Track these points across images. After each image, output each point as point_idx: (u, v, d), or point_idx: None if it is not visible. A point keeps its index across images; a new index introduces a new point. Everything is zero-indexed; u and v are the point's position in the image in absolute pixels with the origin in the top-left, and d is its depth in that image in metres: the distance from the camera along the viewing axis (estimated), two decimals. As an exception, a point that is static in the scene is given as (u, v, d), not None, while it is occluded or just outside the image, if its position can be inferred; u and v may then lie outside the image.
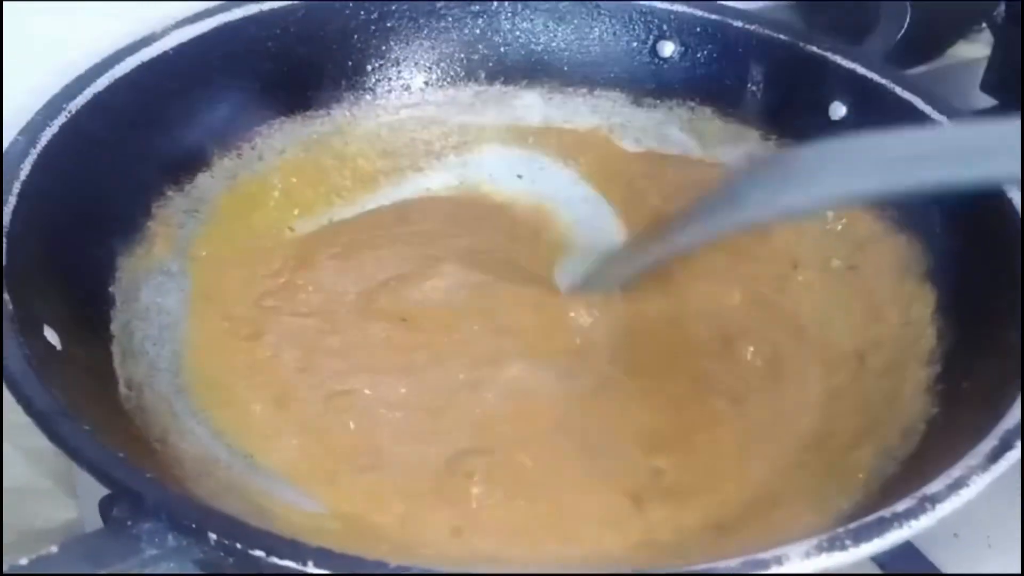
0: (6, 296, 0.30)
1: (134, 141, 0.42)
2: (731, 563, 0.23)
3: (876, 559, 0.37)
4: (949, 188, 0.32)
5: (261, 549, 0.22)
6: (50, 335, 0.32)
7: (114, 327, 0.37)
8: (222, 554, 0.23)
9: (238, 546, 0.22)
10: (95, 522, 0.36)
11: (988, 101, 0.67)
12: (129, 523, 0.23)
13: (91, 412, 0.30)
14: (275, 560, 0.22)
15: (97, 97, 0.41)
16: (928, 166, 0.32)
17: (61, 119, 0.39)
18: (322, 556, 0.22)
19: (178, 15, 0.45)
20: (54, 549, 0.22)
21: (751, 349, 0.42)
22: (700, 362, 0.42)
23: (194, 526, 0.23)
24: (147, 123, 0.43)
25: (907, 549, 0.38)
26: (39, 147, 0.37)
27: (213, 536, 0.22)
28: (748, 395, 0.40)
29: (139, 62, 0.43)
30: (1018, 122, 0.29)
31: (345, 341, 0.42)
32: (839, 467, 0.35)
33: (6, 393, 0.27)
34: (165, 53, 0.44)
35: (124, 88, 0.42)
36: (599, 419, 0.39)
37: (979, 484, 0.25)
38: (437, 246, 0.47)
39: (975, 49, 0.75)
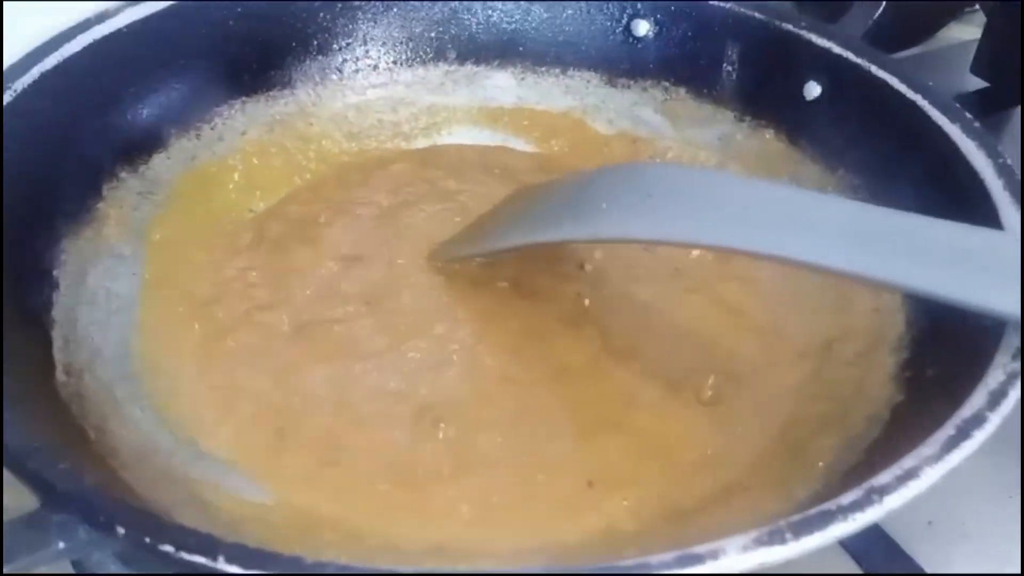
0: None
1: (83, 121, 0.41)
2: (665, 558, 0.22)
3: (853, 554, 0.36)
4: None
5: (170, 544, 0.21)
6: (-17, 322, 0.31)
7: (56, 312, 0.36)
8: (133, 548, 0.22)
9: (147, 540, 0.21)
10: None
11: (978, 83, 0.66)
12: (40, 516, 0.22)
13: (21, 399, 0.29)
14: (184, 555, 0.21)
15: (44, 76, 0.40)
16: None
17: (6, 98, 0.38)
18: (234, 551, 0.21)
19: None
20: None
21: (719, 337, 0.41)
22: (668, 349, 0.41)
23: (103, 519, 0.22)
24: (98, 103, 0.42)
25: (881, 540, 0.37)
26: (-21, 126, 0.36)
27: (122, 530, 0.21)
28: (714, 383, 0.39)
29: (90, 40, 0.42)
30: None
31: (302, 326, 0.41)
32: (801, 455, 0.34)
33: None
34: (118, 31, 0.43)
35: (73, 67, 0.41)
36: (557, 407, 0.38)
37: (931, 476, 0.24)
38: (393, 223, 0.46)
39: (967, 31, 0.74)
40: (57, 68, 0.40)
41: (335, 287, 0.43)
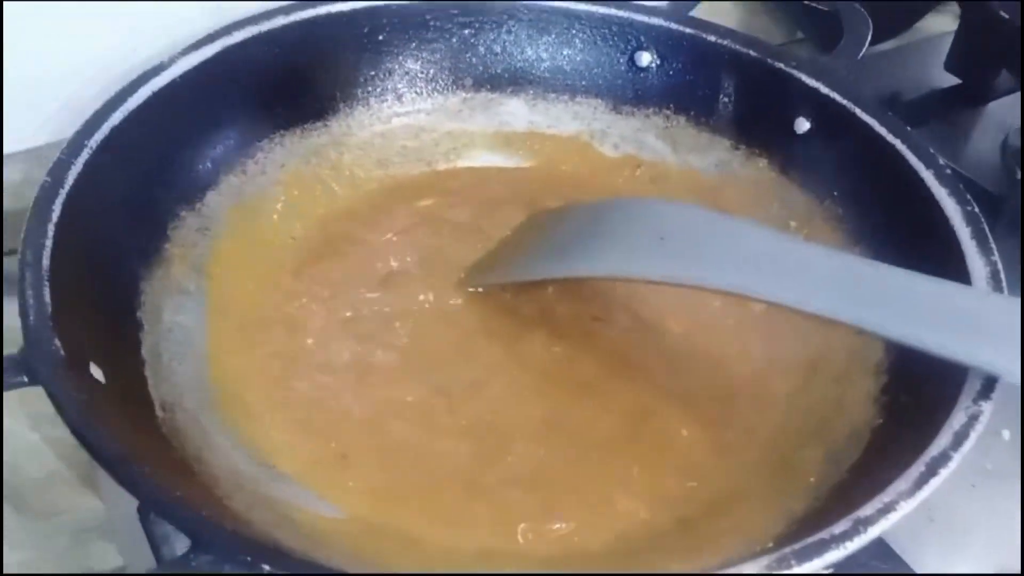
0: (57, 342, 0.33)
1: (150, 168, 0.45)
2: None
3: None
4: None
5: (307, 578, 0.27)
6: (95, 371, 0.35)
7: (144, 351, 0.40)
8: (271, 582, 0.27)
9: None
10: (121, 510, 0.40)
11: (952, 80, 0.71)
12: (191, 557, 0.27)
13: (138, 441, 0.33)
14: (319, 588, 0.26)
15: (114, 130, 0.43)
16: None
17: (84, 156, 0.41)
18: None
19: (176, 40, 0.48)
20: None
21: (719, 352, 0.46)
22: (673, 365, 0.46)
23: (249, 559, 0.27)
24: (161, 150, 0.46)
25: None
26: (67, 187, 0.40)
27: (266, 567, 0.27)
28: (711, 398, 0.44)
29: (150, 92, 0.45)
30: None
31: (350, 351, 0.45)
32: (791, 469, 0.40)
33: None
34: (174, 81, 0.47)
35: (138, 119, 0.44)
36: (580, 422, 0.43)
37: (906, 508, 0.30)
38: (422, 250, 0.51)
39: (943, 22, 0.78)
40: (126, 121, 0.44)
41: (376, 315, 0.47)
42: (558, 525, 0.39)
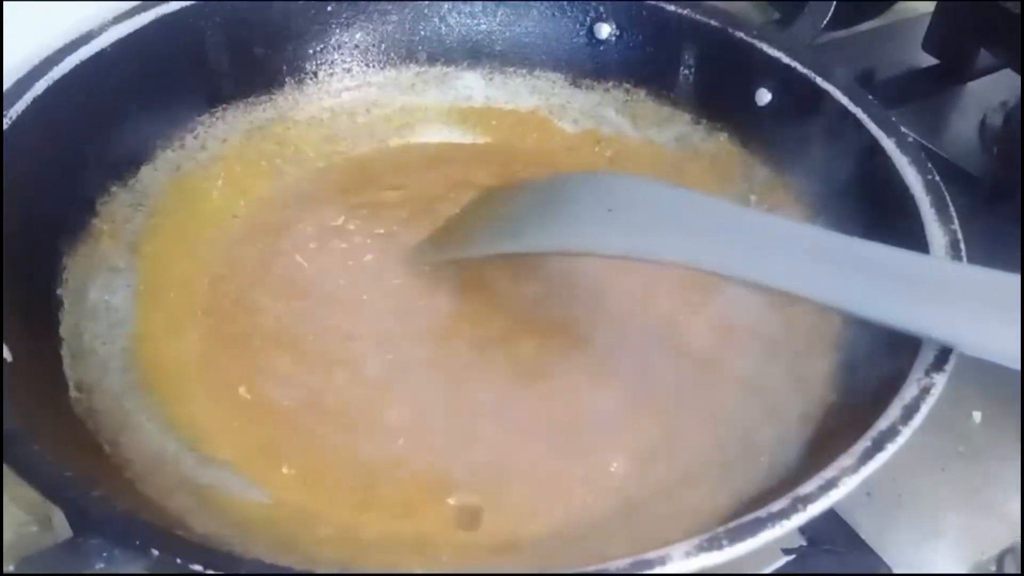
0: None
1: (76, 141, 0.43)
2: (621, 563, 0.25)
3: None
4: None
5: (199, 563, 0.25)
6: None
7: (63, 330, 0.38)
8: (165, 567, 0.25)
9: (178, 560, 0.25)
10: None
11: (929, 60, 0.69)
12: (79, 539, 0.25)
13: (42, 421, 0.31)
14: (211, 572, 0.24)
15: (37, 100, 0.41)
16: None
17: (2, 125, 0.39)
18: (255, 567, 0.25)
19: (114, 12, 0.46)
20: (11, 568, 0.24)
21: (673, 326, 0.45)
22: (622, 341, 0.44)
23: (138, 543, 0.25)
24: (88, 122, 0.44)
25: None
26: (-21, 156, 0.38)
27: (155, 552, 0.25)
28: (664, 378, 0.42)
29: (78, 61, 0.43)
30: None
31: (289, 334, 0.43)
32: (743, 451, 0.38)
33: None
34: (103, 50, 0.44)
35: (64, 89, 0.42)
36: (523, 404, 0.41)
37: (849, 485, 0.28)
38: (368, 228, 0.49)
39: (921, 3, 0.76)
40: (48, 91, 0.42)
41: (319, 297, 0.45)
42: (501, 510, 0.38)
